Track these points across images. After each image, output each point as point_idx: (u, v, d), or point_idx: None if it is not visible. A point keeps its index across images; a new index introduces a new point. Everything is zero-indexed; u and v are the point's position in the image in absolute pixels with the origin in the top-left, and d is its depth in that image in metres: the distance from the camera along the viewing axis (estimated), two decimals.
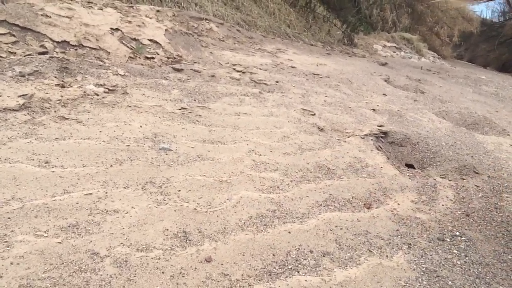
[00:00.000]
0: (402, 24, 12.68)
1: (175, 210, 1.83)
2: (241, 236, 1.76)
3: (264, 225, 1.87)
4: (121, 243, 1.57)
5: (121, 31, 4.22)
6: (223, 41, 5.79)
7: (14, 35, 3.37)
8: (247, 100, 3.59)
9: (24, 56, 3.15)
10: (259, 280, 1.52)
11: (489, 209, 2.43)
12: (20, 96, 2.52)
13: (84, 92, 2.85)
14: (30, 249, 1.45)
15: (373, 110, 4.20)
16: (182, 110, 3.03)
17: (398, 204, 2.33)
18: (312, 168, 2.58)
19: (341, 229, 1.96)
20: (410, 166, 3.13)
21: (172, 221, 1.76)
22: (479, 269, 1.84)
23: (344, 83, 5.24)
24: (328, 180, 2.47)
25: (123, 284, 1.38)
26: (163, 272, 1.47)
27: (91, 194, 1.83)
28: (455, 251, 1.95)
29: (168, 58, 4.35)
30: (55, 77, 2.91)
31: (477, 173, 2.96)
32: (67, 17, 3.90)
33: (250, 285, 1.49)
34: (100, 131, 2.42)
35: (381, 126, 3.58)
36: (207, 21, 5.94)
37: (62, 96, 2.71)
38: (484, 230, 2.20)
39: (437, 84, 6.96)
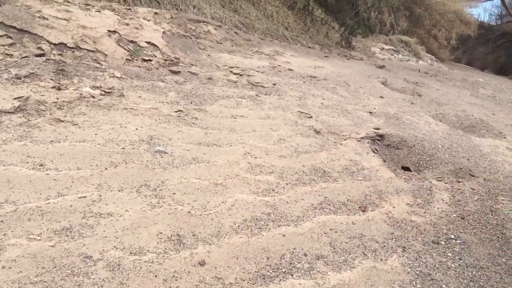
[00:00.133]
0: (400, 27, 12.73)
1: (169, 213, 1.83)
2: (235, 239, 1.76)
3: (259, 228, 1.87)
4: (114, 247, 1.56)
5: (118, 33, 4.23)
6: (220, 43, 5.80)
7: (11, 37, 3.37)
8: (243, 103, 3.60)
9: (21, 58, 3.15)
10: (253, 284, 1.52)
11: (485, 212, 2.43)
12: (16, 98, 2.52)
13: (80, 94, 2.85)
14: (23, 253, 1.44)
15: (370, 112, 4.21)
16: (178, 112, 3.03)
17: (393, 207, 2.33)
18: (307, 171, 2.58)
19: (335, 232, 1.96)
20: (406, 169, 3.13)
21: (166, 224, 1.75)
22: (473, 272, 1.84)
23: (341, 85, 5.25)
24: (324, 183, 2.47)
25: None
26: (156, 276, 1.46)
27: (85, 197, 1.82)
28: (449, 254, 1.95)
29: (165, 60, 4.36)
30: (51, 79, 2.91)
31: (473, 175, 2.96)
32: (64, 19, 3.90)
33: None
34: (96, 134, 2.42)
35: (377, 128, 3.59)
36: (205, 23, 5.95)
37: (58, 99, 2.70)
38: (479, 233, 2.20)
39: (434, 87, 6.98)
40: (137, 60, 4.07)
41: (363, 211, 2.22)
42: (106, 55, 3.86)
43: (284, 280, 1.57)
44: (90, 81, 3.11)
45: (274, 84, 4.41)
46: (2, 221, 1.57)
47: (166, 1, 6.26)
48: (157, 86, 3.45)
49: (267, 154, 2.70)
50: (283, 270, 1.62)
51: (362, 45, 10.10)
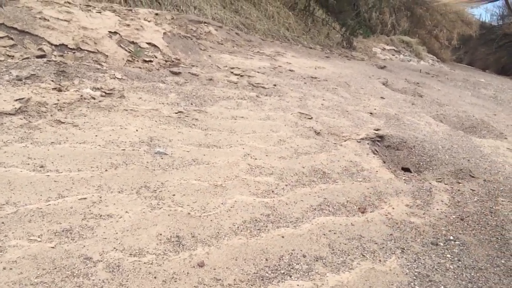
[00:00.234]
0: (401, 27, 12.71)
1: (169, 215, 1.84)
2: (234, 240, 1.76)
3: (258, 229, 1.88)
4: (114, 248, 1.58)
5: (119, 34, 4.24)
6: (221, 44, 5.81)
7: (12, 39, 3.38)
8: (244, 104, 3.61)
9: (22, 59, 3.17)
10: (251, 285, 1.53)
11: (484, 213, 2.43)
12: (17, 100, 2.54)
13: (81, 96, 2.87)
14: (23, 254, 1.45)
15: (370, 113, 4.21)
16: (178, 113, 3.04)
17: (393, 208, 2.33)
18: (307, 172, 2.58)
19: (334, 233, 1.97)
20: (406, 169, 3.14)
21: (166, 226, 1.76)
22: (472, 274, 1.84)
23: (342, 86, 5.25)
24: (323, 184, 2.47)
25: None
26: (155, 277, 1.47)
27: (85, 198, 1.84)
28: (448, 256, 1.96)
29: (166, 61, 4.37)
30: (52, 80, 2.93)
31: (473, 176, 2.97)
32: (65, 20, 3.91)
33: None
34: (96, 135, 2.43)
35: (377, 129, 3.59)
36: (205, 24, 5.97)
37: (58, 100, 2.72)
38: (478, 234, 2.20)
39: (435, 87, 6.97)
40: (137, 61, 4.09)
41: (362, 212, 2.23)
42: (107, 56, 3.87)
43: (282, 282, 1.58)
44: (91, 82, 3.13)
45: (275, 85, 4.42)
46: (3, 223, 1.58)
47: (167, 2, 6.28)
48: (157, 87, 3.46)
49: (267, 155, 2.70)
50: (282, 272, 1.63)
51: (363, 46, 10.10)
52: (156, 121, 2.83)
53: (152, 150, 2.42)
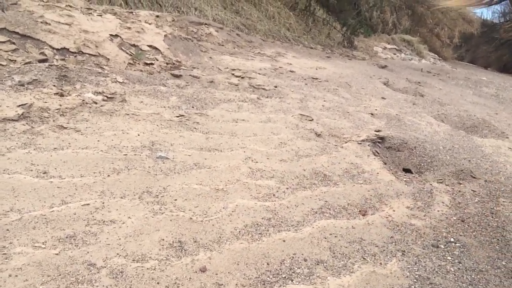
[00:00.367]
0: (403, 26, 12.69)
1: (171, 220, 1.86)
2: (236, 245, 1.78)
3: (259, 233, 1.90)
4: (117, 254, 1.59)
5: (120, 37, 4.26)
6: (222, 45, 5.83)
7: (14, 43, 3.41)
8: (245, 106, 3.62)
9: (24, 64, 3.19)
10: None
11: (485, 214, 2.44)
12: (19, 105, 2.56)
13: (83, 100, 2.89)
14: (28, 261, 1.48)
15: (371, 114, 4.22)
16: (180, 117, 3.05)
17: (394, 211, 2.34)
18: (308, 175, 2.60)
19: (335, 236, 1.98)
20: (407, 171, 3.15)
21: (168, 231, 1.78)
22: (473, 276, 1.85)
23: (343, 87, 5.26)
24: (324, 187, 2.49)
25: None
26: (158, 283, 1.49)
27: (88, 204, 1.86)
28: (449, 258, 1.97)
29: (167, 63, 4.39)
30: (54, 85, 2.95)
31: (474, 177, 2.97)
32: (66, 24, 3.94)
33: None
34: (98, 140, 2.45)
35: (378, 131, 3.60)
36: (206, 25, 5.98)
37: (61, 105, 2.74)
38: (479, 235, 2.21)
39: (436, 87, 6.97)
40: (139, 64, 4.11)
41: (363, 215, 2.24)
42: (108, 59, 3.89)
43: (284, 286, 1.59)
44: (93, 87, 3.15)
45: (276, 87, 4.43)
46: (8, 230, 1.60)
47: (167, 3, 6.29)
48: (159, 91, 3.48)
49: (268, 158, 2.72)
50: (283, 276, 1.65)
51: (365, 45, 10.09)
52: (157, 125, 2.85)
53: (154, 154, 2.43)
